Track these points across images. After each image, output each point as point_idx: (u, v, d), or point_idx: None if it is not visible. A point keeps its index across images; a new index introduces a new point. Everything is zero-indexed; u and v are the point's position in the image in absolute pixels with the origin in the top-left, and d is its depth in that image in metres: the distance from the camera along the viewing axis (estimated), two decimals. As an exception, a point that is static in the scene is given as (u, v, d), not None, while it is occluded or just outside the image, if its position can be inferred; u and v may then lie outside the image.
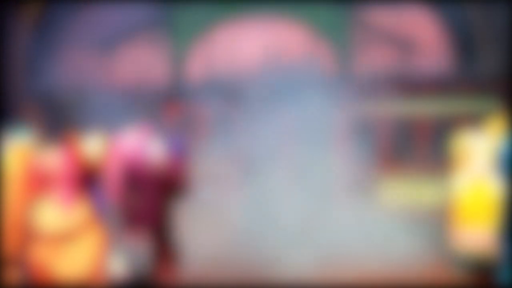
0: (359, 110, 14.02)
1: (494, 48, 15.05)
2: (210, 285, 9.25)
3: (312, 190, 12.88)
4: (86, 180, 7.86)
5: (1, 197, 7.73)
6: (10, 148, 7.89)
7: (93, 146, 8.05)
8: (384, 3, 15.64)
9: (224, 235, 11.48)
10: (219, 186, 13.22)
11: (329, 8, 15.60)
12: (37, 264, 7.69)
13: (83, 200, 7.81)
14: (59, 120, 13.54)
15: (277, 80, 14.07)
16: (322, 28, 15.64)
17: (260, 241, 11.06)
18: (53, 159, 7.85)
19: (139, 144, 8.81)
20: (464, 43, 15.62)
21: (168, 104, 14.86)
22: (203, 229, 11.22)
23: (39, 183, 7.84)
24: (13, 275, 7.75)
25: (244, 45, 15.76)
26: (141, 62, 15.91)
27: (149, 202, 8.75)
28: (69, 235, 7.72)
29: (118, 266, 8.27)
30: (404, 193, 13.04)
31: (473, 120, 11.79)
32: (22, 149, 7.95)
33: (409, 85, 14.36)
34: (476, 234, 9.19)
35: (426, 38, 15.84)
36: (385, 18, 15.78)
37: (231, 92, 14.48)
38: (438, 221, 10.57)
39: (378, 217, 11.91)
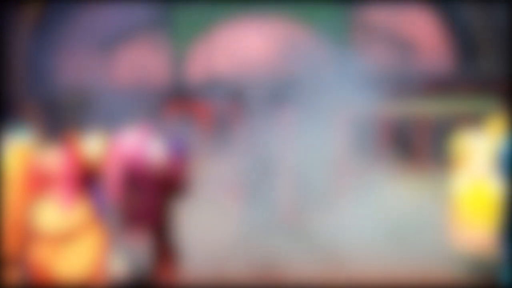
0: (359, 110, 14.00)
1: (495, 48, 15.04)
2: (210, 285, 9.24)
3: (313, 189, 12.89)
4: (86, 180, 7.86)
5: (1, 197, 7.72)
6: (10, 148, 7.89)
7: (93, 146, 8.05)
8: (384, 3, 15.62)
9: (224, 235, 11.47)
10: (219, 186, 13.21)
11: (329, 8, 15.59)
12: (37, 264, 7.69)
13: (83, 200, 7.81)
14: (59, 120, 13.54)
15: (277, 80, 14.07)
16: (322, 28, 15.62)
17: (260, 241, 11.05)
18: (53, 159, 7.85)
19: (139, 144, 8.81)
20: (465, 43, 15.60)
21: (168, 104, 14.86)
22: (203, 229, 11.21)
23: (39, 183, 7.84)
24: (13, 275, 7.75)
25: (245, 45, 15.75)
26: (142, 62, 15.89)
27: (149, 202, 8.74)
28: (69, 235, 7.72)
29: (118, 266, 8.28)
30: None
31: (473, 120, 11.77)
32: (22, 149, 7.95)
33: (409, 85, 14.33)
34: (476, 234, 9.18)
35: (427, 38, 15.83)
36: (386, 18, 15.76)
37: (231, 92, 14.48)
38: (438, 221, 10.55)
39: (378, 217, 11.91)
